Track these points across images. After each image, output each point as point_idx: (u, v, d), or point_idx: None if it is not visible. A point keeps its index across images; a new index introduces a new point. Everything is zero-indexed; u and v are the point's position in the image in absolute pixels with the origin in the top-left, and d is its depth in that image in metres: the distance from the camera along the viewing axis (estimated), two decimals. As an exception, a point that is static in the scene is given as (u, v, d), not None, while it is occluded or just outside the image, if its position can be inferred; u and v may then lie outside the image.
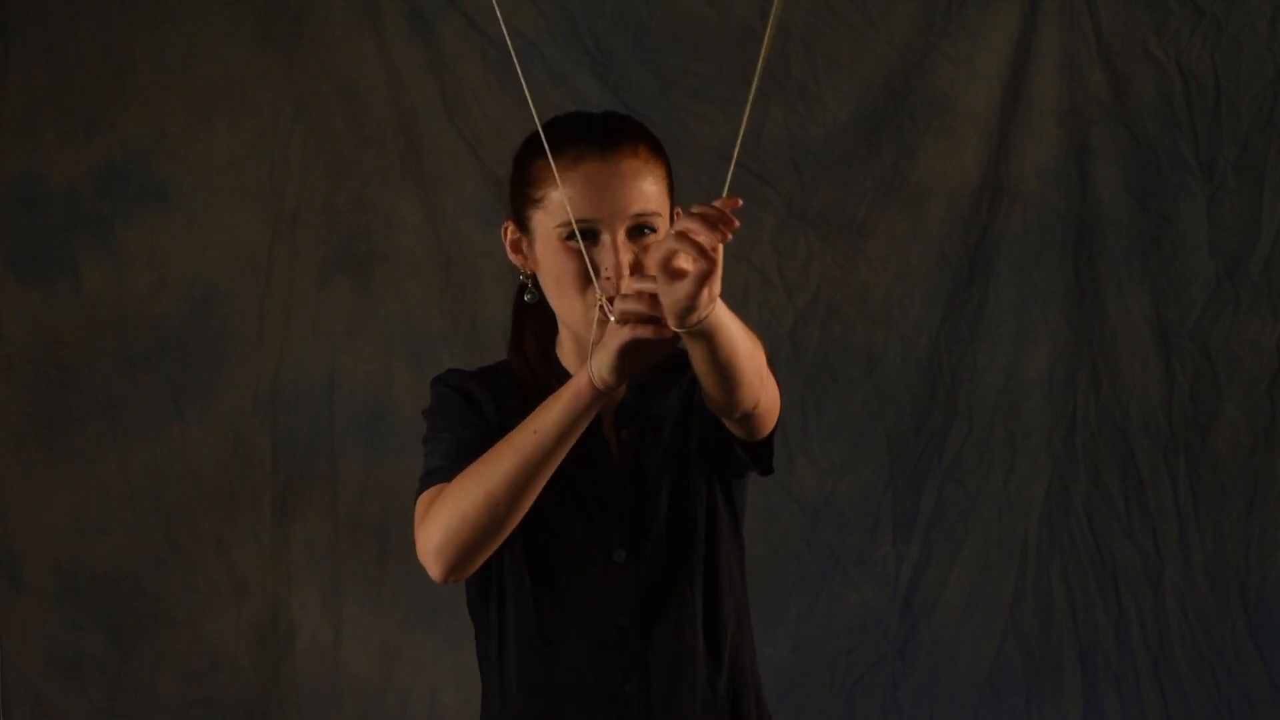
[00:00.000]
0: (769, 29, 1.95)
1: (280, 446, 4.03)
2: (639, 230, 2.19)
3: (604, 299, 2.16)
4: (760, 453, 2.24)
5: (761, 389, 2.12)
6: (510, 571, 2.26)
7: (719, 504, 2.29)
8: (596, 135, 2.21)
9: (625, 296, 2.00)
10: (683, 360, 2.29)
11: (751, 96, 2.03)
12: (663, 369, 2.29)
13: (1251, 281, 3.96)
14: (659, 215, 2.20)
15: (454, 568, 2.18)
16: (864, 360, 4.00)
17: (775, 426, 2.23)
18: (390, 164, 4.04)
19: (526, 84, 4.27)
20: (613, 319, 2.04)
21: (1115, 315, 3.99)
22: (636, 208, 2.17)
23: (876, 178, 4.01)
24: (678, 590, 2.25)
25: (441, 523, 2.17)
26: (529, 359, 2.30)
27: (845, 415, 4.00)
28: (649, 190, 2.20)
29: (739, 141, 2.14)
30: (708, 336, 1.98)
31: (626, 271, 2.17)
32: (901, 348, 4.01)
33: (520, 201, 2.25)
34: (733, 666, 2.29)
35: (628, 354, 2.03)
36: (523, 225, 2.25)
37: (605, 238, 2.18)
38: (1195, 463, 3.97)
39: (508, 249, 2.29)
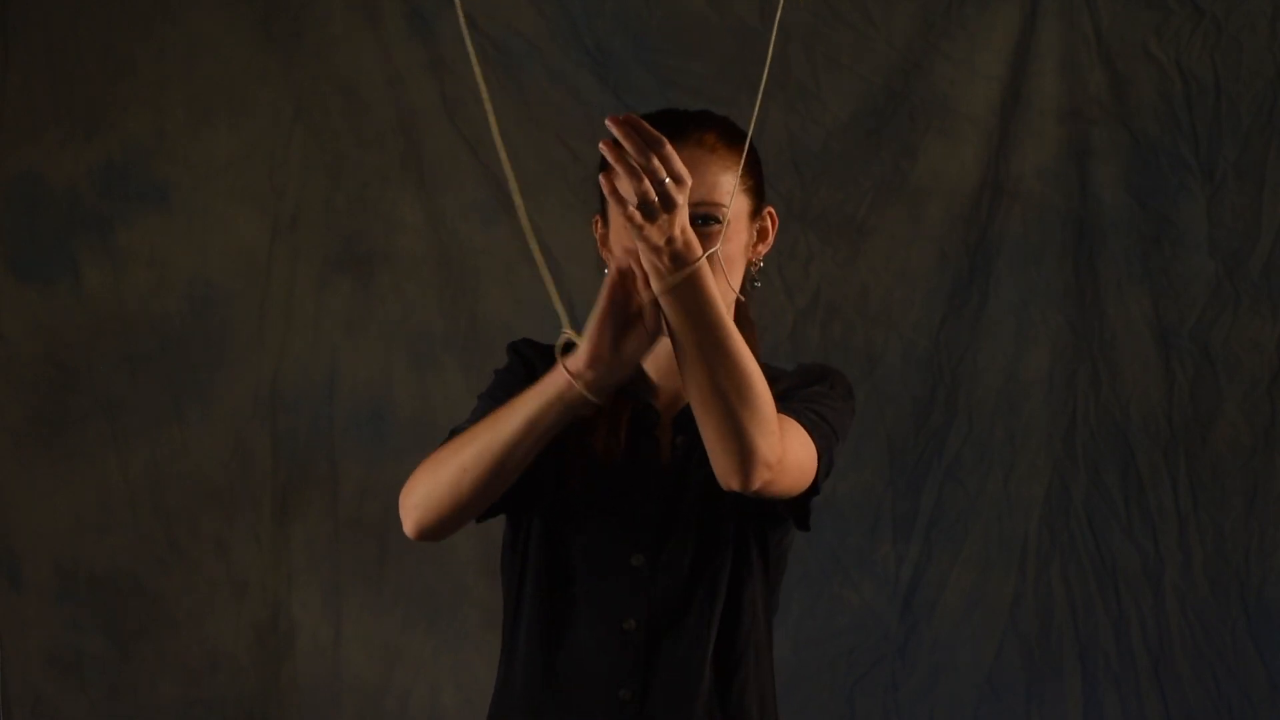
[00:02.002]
0: (771, 41, 1.94)
1: (280, 446, 4.03)
2: (701, 220, 2.14)
3: (568, 331, 2.13)
4: (795, 508, 2.21)
5: (757, 427, 2.04)
6: (533, 558, 2.24)
7: (750, 541, 2.24)
8: (663, 124, 2.15)
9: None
10: None
11: (756, 108, 2.03)
12: None
13: (1251, 281, 3.96)
14: (721, 206, 2.16)
15: (421, 528, 2.16)
16: (864, 360, 4.00)
17: (814, 489, 2.18)
18: (390, 164, 4.03)
19: (526, 84, 4.28)
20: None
21: (1115, 315, 3.99)
22: (695, 196, 2.10)
23: (876, 178, 4.01)
24: (693, 606, 2.21)
25: (420, 479, 2.16)
26: None
27: (845, 415, 3.99)
28: (711, 180, 2.16)
29: (745, 148, 2.13)
30: (683, 299, 1.98)
31: None
32: (901, 348, 4.01)
33: (601, 194, 2.25)
34: (742, 699, 2.24)
35: (605, 328, 2.02)
36: (605, 218, 2.24)
37: None
38: (1195, 463, 3.97)
39: (598, 244, 2.26)
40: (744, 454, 2.05)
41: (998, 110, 4.00)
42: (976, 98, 4.00)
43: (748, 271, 2.25)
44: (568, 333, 2.09)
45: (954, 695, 3.98)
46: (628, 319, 2.05)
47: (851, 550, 3.99)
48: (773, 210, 2.27)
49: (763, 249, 2.27)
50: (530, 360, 2.28)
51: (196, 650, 4.02)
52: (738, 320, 2.22)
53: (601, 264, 2.22)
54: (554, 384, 2.07)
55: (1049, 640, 3.98)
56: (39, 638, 4.00)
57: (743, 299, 2.25)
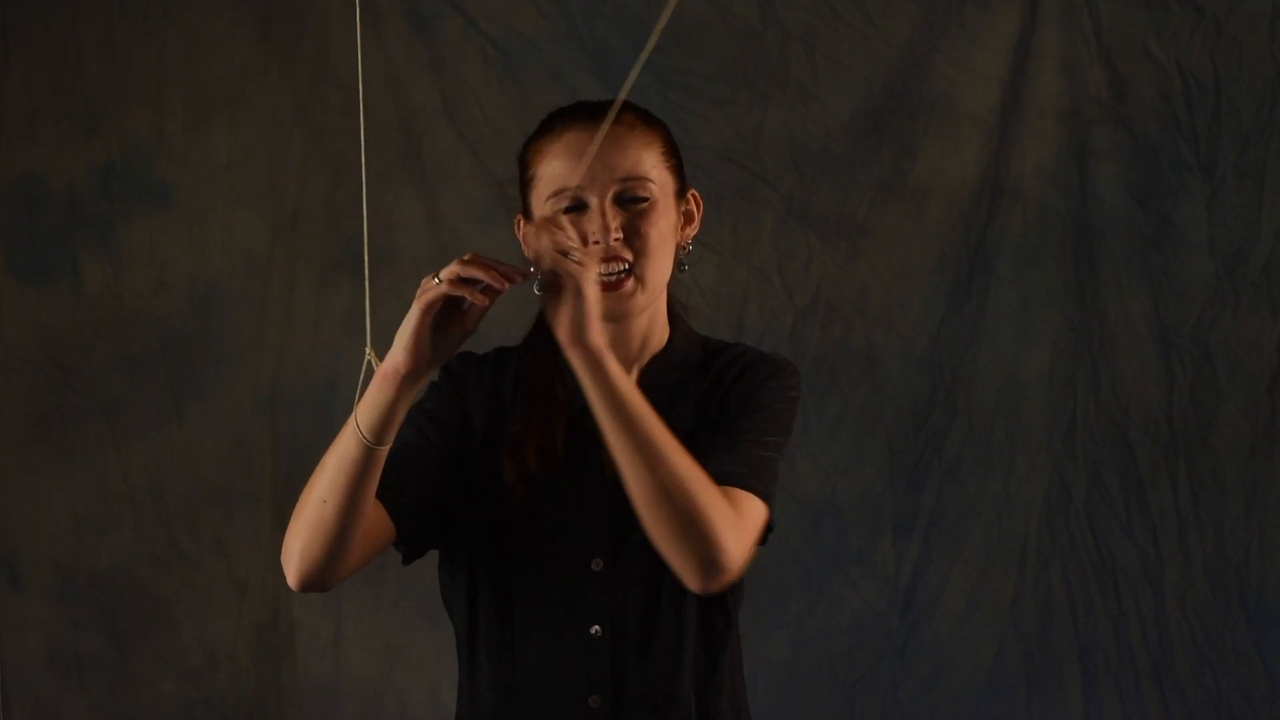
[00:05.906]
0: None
1: (280, 446, 4.03)
2: (628, 197, 2.16)
3: (372, 352, 2.14)
4: None
5: (715, 520, 2.03)
6: (483, 569, 2.21)
7: None
8: (582, 109, 2.21)
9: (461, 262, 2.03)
10: (699, 371, 2.22)
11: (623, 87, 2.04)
12: (679, 377, 2.22)
13: (1251, 281, 3.96)
14: (648, 181, 2.17)
15: (303, 578, 2.13)
16: (864, 360, 4.00)
17: (769, 527, 2.16)
18: (390, 164, 4.04)
19: (526, 84, 4.28)
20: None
21: (1115, 315, 3.99)
22: (620, 172, 2.14)
23: (876, 178, 4.01)
24: (661, 606, 2.17)
25: (291, 531, 2.15)
26: (539, 356, 2.25)
27: (845, 415, 4.00)
28: (635, 156, 2.17)
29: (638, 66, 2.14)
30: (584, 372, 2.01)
31: (616, 235, 2.13)
32: (901, 348, 4.01)
33: (522, 191, 2.23)
34: (717, 698, 2.21)
35: (422, 325, 2.07)
36: (527, 213, 2.23)
37: (593, 203, 2.15)
38: (1195, 463, 3.97)
39: (522, 244, 2.25)
40: (704, 556, 2.04)
41: (998, 110, 4.00)
42: (976, 98, 4.00)
43: (677, 255, 2.23)
44: (369, 352, 2.14)
45: (954, 695, 3.98)
46: (449, 321, 2.10)
47: (851, 550, 3.99)
48: (696, 193, 2.26)
49: (690, 231, 2.25)
50: (460, 380, 2.27)
51: (196, 650, 4.02)
52: (669, 305, 2.24)
53: (527, 262, 2.22)
54: (377, 388, 2.09)
55: (1049, 640, 3.98)
56: (39, 638, 4.00)
57: (681, 272, 2.25)
